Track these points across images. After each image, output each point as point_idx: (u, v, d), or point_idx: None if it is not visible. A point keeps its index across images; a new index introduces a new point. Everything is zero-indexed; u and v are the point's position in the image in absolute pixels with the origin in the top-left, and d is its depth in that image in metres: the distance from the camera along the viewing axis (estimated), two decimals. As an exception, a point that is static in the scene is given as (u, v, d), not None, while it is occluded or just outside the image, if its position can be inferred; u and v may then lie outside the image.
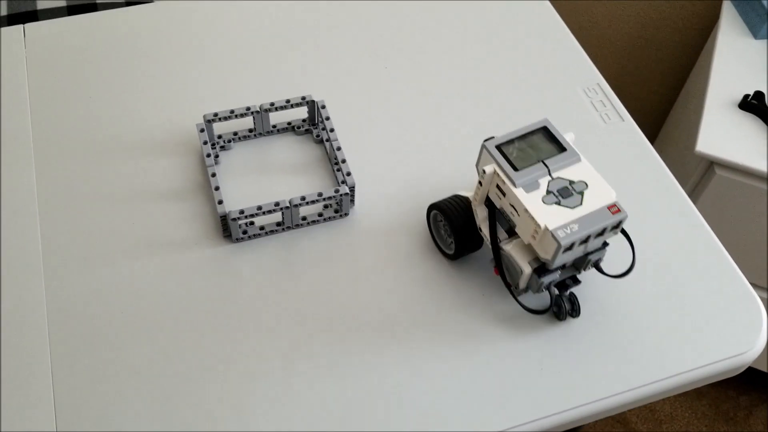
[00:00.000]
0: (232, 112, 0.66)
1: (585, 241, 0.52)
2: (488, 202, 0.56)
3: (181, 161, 0.68)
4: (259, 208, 0.60)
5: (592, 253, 0.55)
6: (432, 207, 0.61)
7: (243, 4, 0.81)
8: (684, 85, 1.40)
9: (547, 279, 0.54)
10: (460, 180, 0.67)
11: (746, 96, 1.05)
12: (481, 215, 0.57)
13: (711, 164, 1.04)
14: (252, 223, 0.63)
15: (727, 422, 1.42)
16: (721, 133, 1.03)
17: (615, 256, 0.59)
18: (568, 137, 0.56)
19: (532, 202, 0.52)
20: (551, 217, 0.51)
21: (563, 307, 0.58)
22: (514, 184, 0.53)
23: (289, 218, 0.62)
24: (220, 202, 0.61)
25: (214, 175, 0.63)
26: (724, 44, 1.14)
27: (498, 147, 0.54)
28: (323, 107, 0.67)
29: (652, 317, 0.59)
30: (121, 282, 0.60)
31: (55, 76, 0.74)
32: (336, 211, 0.64)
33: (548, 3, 0.83)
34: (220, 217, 0.60)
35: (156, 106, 0.72)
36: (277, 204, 0.60)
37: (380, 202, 0.65)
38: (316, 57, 0.77)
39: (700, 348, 0.58)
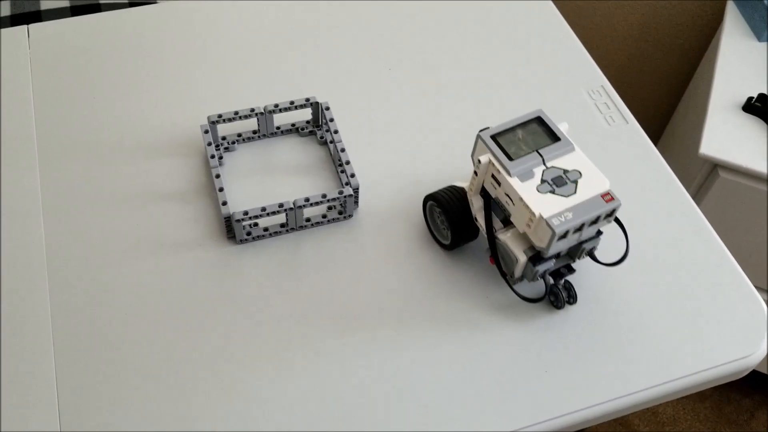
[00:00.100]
0: (236, 113, 0.66)
1: (579, 229, 0.52)
2: (483, 192, 0.57)
3: (185, 162, 0.68)
4: (263, 209, 0.60)
5: (586, 241, 0.55)
6: (428, 198, 0.61)
7: (246, 4, 0.81)
8: (687, 88, 1.40)
9: (542, 267, 0.55)
10: (467, 182, 0.67)
11: (750, 98, 1.05)
12: (476, 205, 0.58)
13: (714, 167, 1.04)
14: (256, 224, 0.63)
15: (730, 425, 1.42)
16: (725, 135, 1.02)
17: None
18: (562, 127, 0.56)
19: (527, 190, 0.53)
20: (546, 205, 0.52)
21: (560, 295, 0.58)
22: (509, 174, 0.53)
23: (293, 220, 0.62)
24: (224, 204, 0.61)
25: (218, 176, 0.63)
26: (728, 46, 1.14)
27: (493, 137, 0.55)
28: (327, 109, 0.67)
29: (655, 320, 0.59)
30: (125, 283, 0.60)
31: (59, 76, 0.74)
32: (340, 213, 0.64)
33: (551, 3, 0.83)
34: (224, 218, 0.61)
35: (160, 107, 0.72)
36: (281, 205, 0.60)
37: (384, 203, 0.65)
38: (320, 58, 0.77)
39: (704, 351, 0.58)
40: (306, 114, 0.71)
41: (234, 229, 0.61)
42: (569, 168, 0.54)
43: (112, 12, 0.80)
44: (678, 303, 0.60)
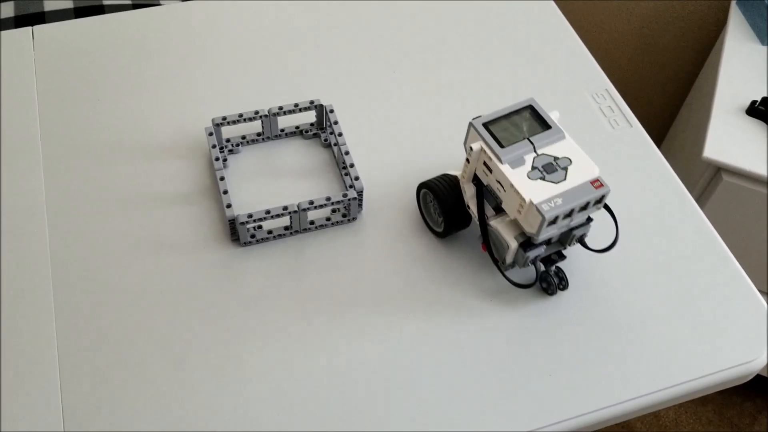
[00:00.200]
0: (240, 116, 0.66)
1: (569, 215, 0.53)
2: (476, 180, 0.58)
3: (189, 164, 0.68)
4: (268, 212, 0.60)
5: (576, 228, 0.56)
6: (421, 186, 0.62)
7: (250, 6, 0.81)
8: (690, 91, 1.40)
9: (532, 253, 0.56)
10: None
11: (753, 102, 1.05)
12: (469, 193, 0.59)
13: (718, 170, 1.04)
14: (260, 227, 0.63)
15: (732, 428, 1.42)
16: (728, 139, 1.02)
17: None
18: (553, 115, 0.57)
19: (518, 177, 0.53)
20: (536, 191, 0.53)
21: (552, 282, 0.59)
22: (500, 161, 0.54)
23: (297, 222, 0.62)
24: (229, 206, 0.61)
25: (222, 178, 0.63)
26: (731, 50, 1.14)
27: (485, 125, 0.56)
28: (331, 111, 0.67)
29: (658, 324, 0.59)
30: (129, 284, 0.60)
31: (63, 78, 0.74)
32: (344, 216, 0.64)
33: (553, 4, 0.83)
34: (229, 220, 0.61)
35: (164, 109, 0.72)
36: (285, 208, 0.60)
37: (389, 206, 0.65)
38: (324, 60, 0.77)
39: (707, 355, 0.57)
40: (310, 116, 0.71)
41: (238, 232, 0.61)
42: (559, 155, 0.55)
43: (116, 14, 0.80)
44: (681, 307, 0.60)
